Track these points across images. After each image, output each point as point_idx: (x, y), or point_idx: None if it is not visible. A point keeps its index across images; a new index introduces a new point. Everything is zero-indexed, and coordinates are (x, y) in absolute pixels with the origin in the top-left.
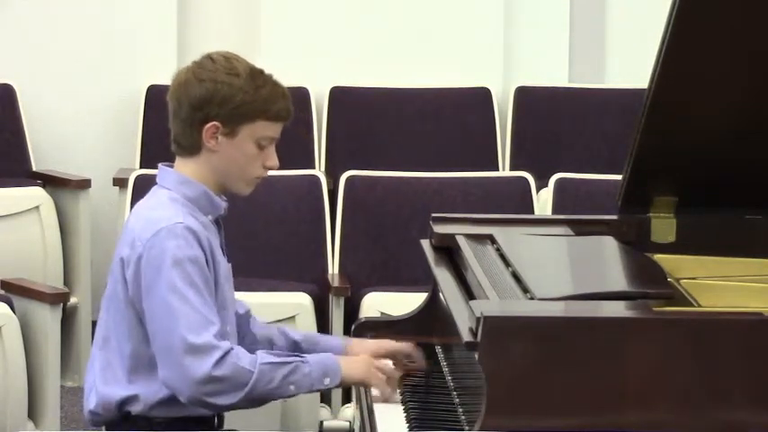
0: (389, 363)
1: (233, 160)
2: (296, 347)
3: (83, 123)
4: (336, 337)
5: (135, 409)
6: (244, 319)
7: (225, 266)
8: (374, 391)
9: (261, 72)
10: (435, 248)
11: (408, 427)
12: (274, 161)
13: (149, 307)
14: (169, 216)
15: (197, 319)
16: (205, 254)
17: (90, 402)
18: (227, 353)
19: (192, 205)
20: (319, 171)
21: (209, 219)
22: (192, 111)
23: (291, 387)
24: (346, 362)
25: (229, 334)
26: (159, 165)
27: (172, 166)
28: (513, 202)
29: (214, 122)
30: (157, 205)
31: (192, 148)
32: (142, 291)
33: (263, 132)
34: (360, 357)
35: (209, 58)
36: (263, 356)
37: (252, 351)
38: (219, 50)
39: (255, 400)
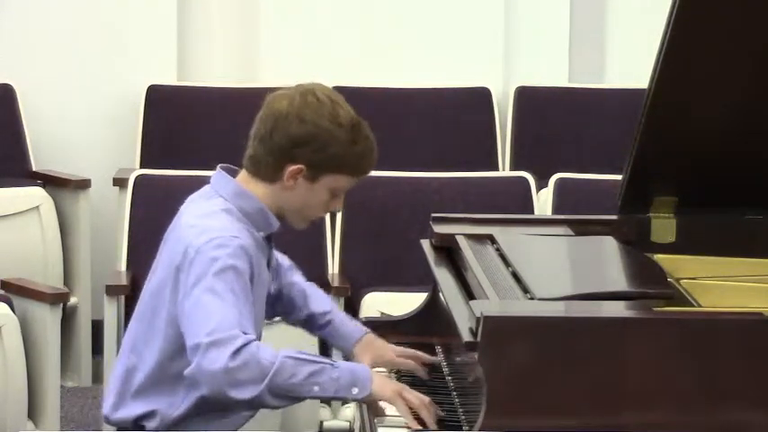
0: (421, 396)
1: (303, 201)
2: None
3: (83, 123)
4: (352, 325)
5: (150, 425)
6: (284, 270)
7: (266, 284)
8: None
9: (361, 125)
10: (435, 248)
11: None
12: (339, 207)
13: (185, 307)
14: (226, 227)
15: (229, 318)
16: (252, 272)
17: (106, 408)
18: (246, 344)
19: (247, 220)
20: None
21: (262, 235)
22: (282, 146)
23: (316, 388)
24: (379, 379)
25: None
26: (218, 167)
27: (230, 171)
28: (513, 202)
29: (300, 165)
30: (213, 214)
31: (269, 176)
32: (180, 292)
33: (342, 184)
34: (392, 381)
35: (315, 96)
36: (287, 351)
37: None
38: (323, 88)
39: (281, 395)
